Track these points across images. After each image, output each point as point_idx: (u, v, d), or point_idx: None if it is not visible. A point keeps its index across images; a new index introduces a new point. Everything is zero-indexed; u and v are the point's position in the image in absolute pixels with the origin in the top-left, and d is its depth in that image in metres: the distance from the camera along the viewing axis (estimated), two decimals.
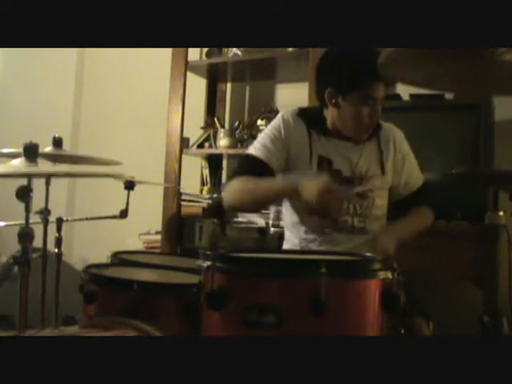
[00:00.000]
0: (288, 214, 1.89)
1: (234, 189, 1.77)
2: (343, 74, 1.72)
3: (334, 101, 1.76)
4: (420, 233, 1.82)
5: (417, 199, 1.88)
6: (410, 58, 1.19)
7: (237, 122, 3.15)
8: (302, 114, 1.84)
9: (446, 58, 1.19)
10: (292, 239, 1.87)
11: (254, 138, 2.99)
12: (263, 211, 2.69)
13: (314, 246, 1.80)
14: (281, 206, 2.02)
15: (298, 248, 1.84)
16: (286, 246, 1.92)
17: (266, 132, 1.84)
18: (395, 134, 1.88)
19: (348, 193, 1.65)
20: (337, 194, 1.52)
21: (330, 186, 1.51)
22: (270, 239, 2.52)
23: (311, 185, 1.53)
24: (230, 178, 1.83)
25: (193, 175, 3.25)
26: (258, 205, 1.91)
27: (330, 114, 1.80)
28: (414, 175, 1.90)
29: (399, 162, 1.86)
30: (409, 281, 1.25)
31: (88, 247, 3.50)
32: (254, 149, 1.81)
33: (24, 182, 1.50)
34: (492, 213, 2.30)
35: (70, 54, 3.81)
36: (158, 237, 3.12)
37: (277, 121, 1.83)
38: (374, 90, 1.71)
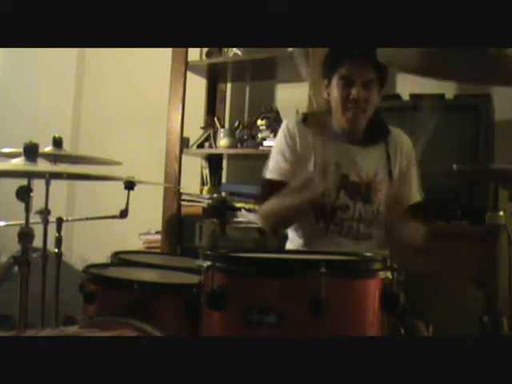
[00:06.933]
0: None
1: (262, 215, 1.86)
2: (328, 61, 1.77)
3: (327, 91, 1.78)
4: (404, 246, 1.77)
5: (412, 214, 1.79)
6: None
7: (237, 122, 3.15)
8: (308, 119, 1.84)
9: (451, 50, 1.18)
10: (297, 239, 1.87)
11: (254, 138, 3.00)
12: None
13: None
14: None
15: (302, 248, 1.83)
16: (289, 245, 1.91)
17: (276, 149, 1.85)
18: (403, 141, 1.85)
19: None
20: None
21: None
22: (270, 239, 2.52)
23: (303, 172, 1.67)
24: (256, 202, 1.98)
25: (193, 175, 3.25)
26: (287, 224, 1.86)
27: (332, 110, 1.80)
28: (413, 189, 1.84)
29: (403, 171, 1.83)
30: (409, 282, 1.25)
31: (88, 247, 3.50)
32: (271, 172, 1.82)
33: (24, 182, 1.50)
34: (492, 213, 2.30)
35: (70, 54, 3.81)
36: (158, 237, 3.12)
37: (282, 132, 1.84)
38: (350, 70, 1.70)
